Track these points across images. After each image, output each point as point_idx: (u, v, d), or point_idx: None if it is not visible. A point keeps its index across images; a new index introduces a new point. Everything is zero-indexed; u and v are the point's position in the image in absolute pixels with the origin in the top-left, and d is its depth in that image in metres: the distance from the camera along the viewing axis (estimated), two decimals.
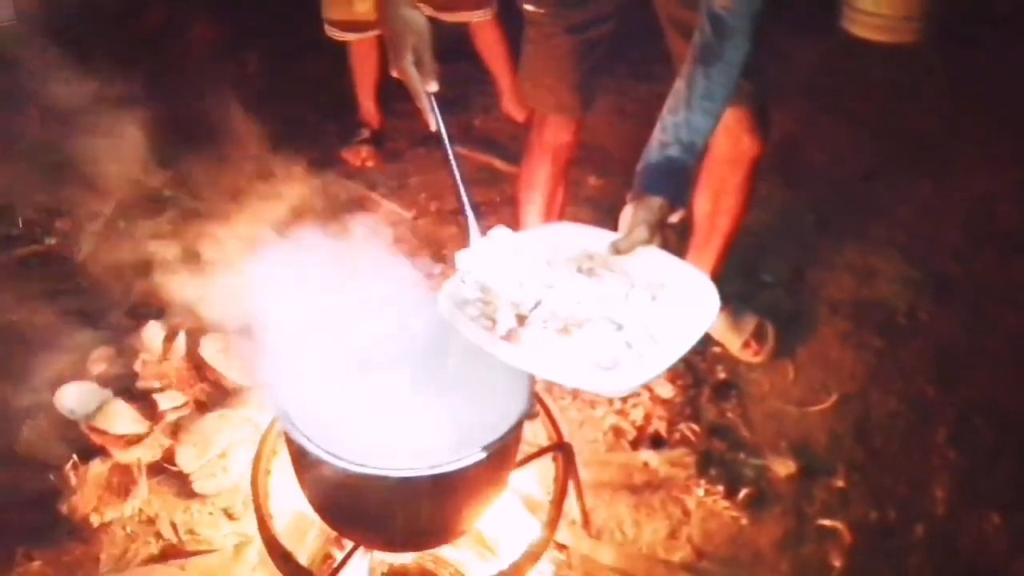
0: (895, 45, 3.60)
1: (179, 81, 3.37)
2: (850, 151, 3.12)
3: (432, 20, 1.51)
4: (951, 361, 2.33)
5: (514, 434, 1.34)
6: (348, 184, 2.93)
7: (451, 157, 1.47)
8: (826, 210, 2.84)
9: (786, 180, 2.94)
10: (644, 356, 1.27)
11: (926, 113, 3.29)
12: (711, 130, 1.49)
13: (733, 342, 2.32)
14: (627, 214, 1.43)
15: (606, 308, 1.34)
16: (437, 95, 1.46)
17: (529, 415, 1.39)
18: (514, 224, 2.30)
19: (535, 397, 1.54)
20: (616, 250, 1.40)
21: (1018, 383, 2.25)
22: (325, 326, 1.54)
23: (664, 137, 1.47)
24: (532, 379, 1.37)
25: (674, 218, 1.44)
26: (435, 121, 1.46)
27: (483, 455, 1.27)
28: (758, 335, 2.33)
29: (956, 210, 2.84)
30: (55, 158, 2.89)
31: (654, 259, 1.41)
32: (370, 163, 3.03)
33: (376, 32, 2.84)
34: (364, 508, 1.39)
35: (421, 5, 1.52)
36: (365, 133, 3.07)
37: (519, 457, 1.54)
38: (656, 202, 1.41)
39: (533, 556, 1.50)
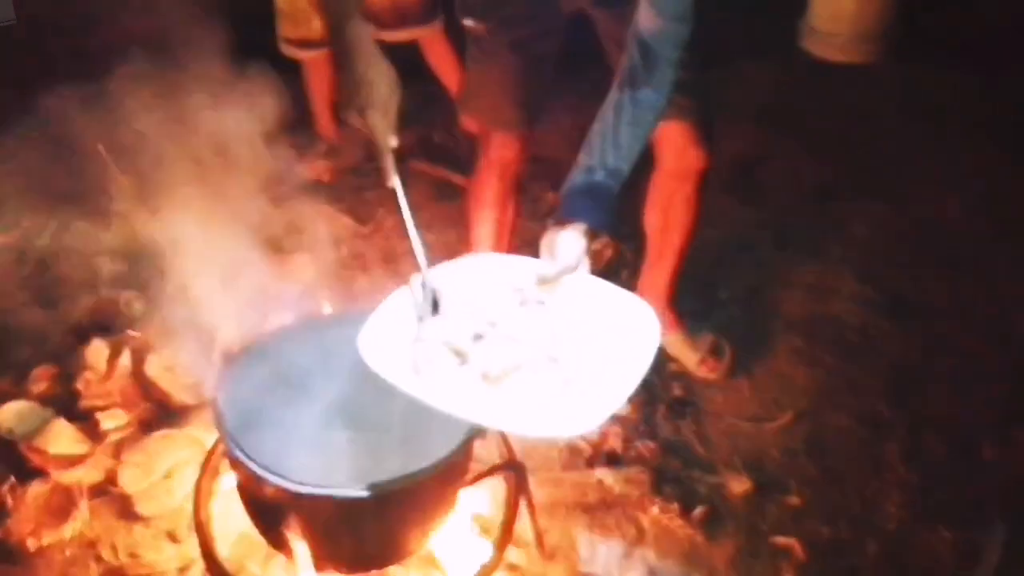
0: (852, 65, 3.66)
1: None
2: (807, 171, 3.16)
3: (380, 42, 1.49)
4: (902, 378, 2.36)
5: (462, 452, 1.32)
6: (304, 198, 2.90)
7: (407, 216, 1.45)
8: (782, 228, 2.86)
9: (743, 198, 2.97)
10: (586, 393, 1.22)
11: (882, 134, 3.34)
12: (636, 155, 1.48)
13: (689, 359, 2.32)
14: (550, 241, 1.39)
15: (542, 343, 1.28)
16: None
17: (478, 433, 1.37)
18: (465, 241, 2.29)
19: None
20: (542, 281, 1.36)
21: (967, 400, 2.28)
22: (273, 349, 1.52)
23: (590, 161, 1.46)
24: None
25: (596, 244, 1.40)
26: (393, 178, 1.43)
27: (428, 472, 1.25)
28: (714, 352, 2.33)
29: (910, 230, 2.89)
30: None
31: (586, 287, 1.37)
32: (326, 177, 3.00)
33: (329, 48, 2.83)
34: (310, 529, 1.36)
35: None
36: (321, 147, 3.05)
37: (470, 476, 1.52)
38: (580, 227, 1.38)
39: None
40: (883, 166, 3.17)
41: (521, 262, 1.42)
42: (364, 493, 1.24)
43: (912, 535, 1.96)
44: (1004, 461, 2.12)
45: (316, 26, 2.81)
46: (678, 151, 1.95)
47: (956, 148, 3.20)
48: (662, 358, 2.29)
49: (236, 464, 1.33)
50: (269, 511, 1.36)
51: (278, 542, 1.42)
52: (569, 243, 1.37)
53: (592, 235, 1.38)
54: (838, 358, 2.41)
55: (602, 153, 1.45)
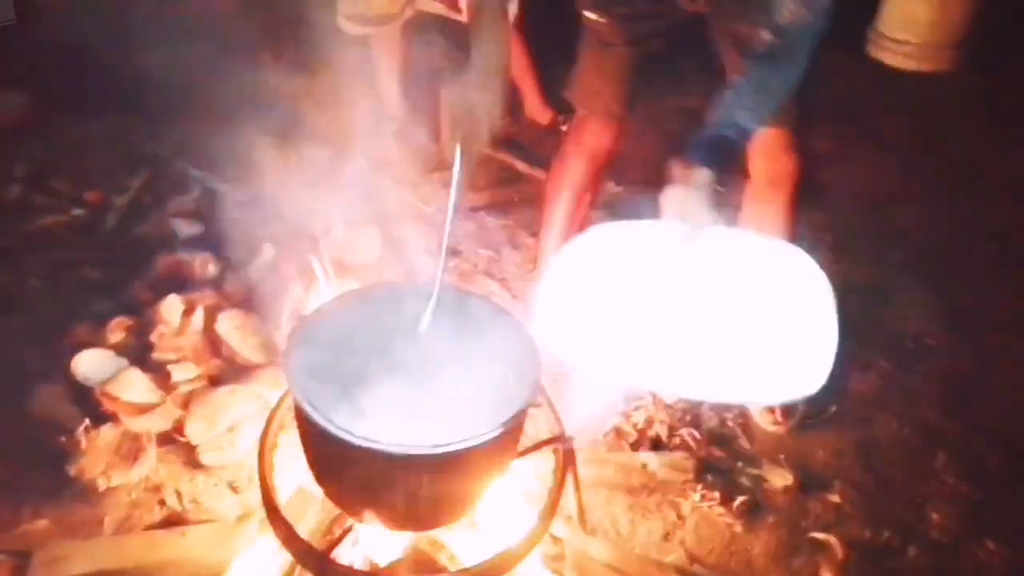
0: (925, 73, 3.60)
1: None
2: (876, 175, 3.13)
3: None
4: (958, 389, 2.34)
5: (516, 421, 1.37)
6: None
7: (449, 219, 1.50)
8: (843, 232, 2.85)
9: (804, 200, 2.95)
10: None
11: (950, 140, 3.29)
12: (763, 121, 1.59)
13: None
14: (673, 195, 1.46)
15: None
16: None
17: (533, 404, 1.42)
18: (536, 220, 2.33)
19: (540, 389, 1.57)
20: (688, 240, 1.45)
21: (1018, 425, 2.25)
22: (345, 312, 1.58)
23: (723, 119, 1.54)
24: (539, 371, 1.41)
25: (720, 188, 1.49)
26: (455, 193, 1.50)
27: (483, 438, 1.30)
28: (787, 406, 2.17)
29: (975, 239, 2.85)
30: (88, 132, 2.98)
31: (734, 240, 1.47)
32: (393, 155, 3.06)
33: (395, 24, 2.89)
34: (367, 485, 1.42)
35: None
36: (391, 124, 3.11)
37: (521, 448, 1.57)
38: (705, 176, 1.45)
39: (527, 545, 1.53)
40: (948, 173, 3.13)
41: (656, 225, 1.48)
42: (421, 452, 1.30)
43: (958, 546, 1.95)
44: None
45: (376, 4, 2.86)
46: (772, 157, 1.99)
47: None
48: None
49: (300, 414, 1.40)
50: (329, 464, 1.43)
51: (337, 496, 1.49)
52: (697, 197, 1.44)
53: (714, 183, 1.46)
54: (893, 364, 2.40)
55: (734, 113, 1.54)
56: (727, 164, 1.52)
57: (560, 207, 2.23)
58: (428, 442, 1.30)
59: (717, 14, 1.91)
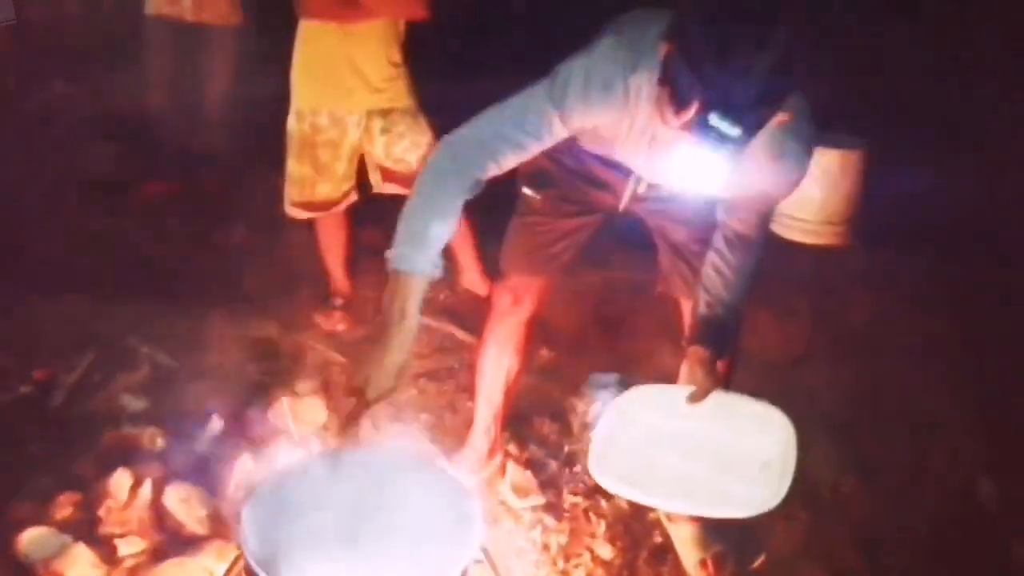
0: (820, 247, 4.01)
1: (162, 247, 3.64)
2: (780, 340, 3.39)
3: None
4: (869, 530, 2.48)
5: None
6: (318, 347, 3.12)
7: None
8: (757, 392, 3.05)
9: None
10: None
11: (853, 306, 3.61)
12: (745, 296, 1.94)
13: (689, 556, 2.29)
14: (689, 368, 1.89)
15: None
16: None
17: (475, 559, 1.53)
18: (470, 390, 2.48)
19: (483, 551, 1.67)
20: (692, 400, 1.87)
21: (937, 562, 2.40)
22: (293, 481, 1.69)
23: (709, 299, 1.92)
24: (480, 530, 1.53)
25: (720, 366, 1.91)
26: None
27: None
28: (718, 559, 2.27)
29: (879, 395, 3.09)
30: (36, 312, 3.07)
31: (724, 401, 1.91)
32: (341, 327, 3.23)
33: (339, 208, 3.11)
34: None
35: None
36: (337, 301, 3.29)
37: None
38: (706, 353, 1.86)
39: None
40: (854, 336, 3.42)
41: (674, 389, 1.94)
42: None
43: None
44: None
45: (321, 191, 3.06)
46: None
47: (915, 322, 3.47)
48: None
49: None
50: None
51: None
52: (702, 369, 1.87)
53: (716, 357, 1.89)
54: (812, 513, 2.55)
55: (717, 293, 1.91)
56: (722, 343, 1.91)
57: (490, 371, 2.35)
58: None
59: (650, 217, 2.13)
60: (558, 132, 1.72)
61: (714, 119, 1.35)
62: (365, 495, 1.68)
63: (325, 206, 3.10)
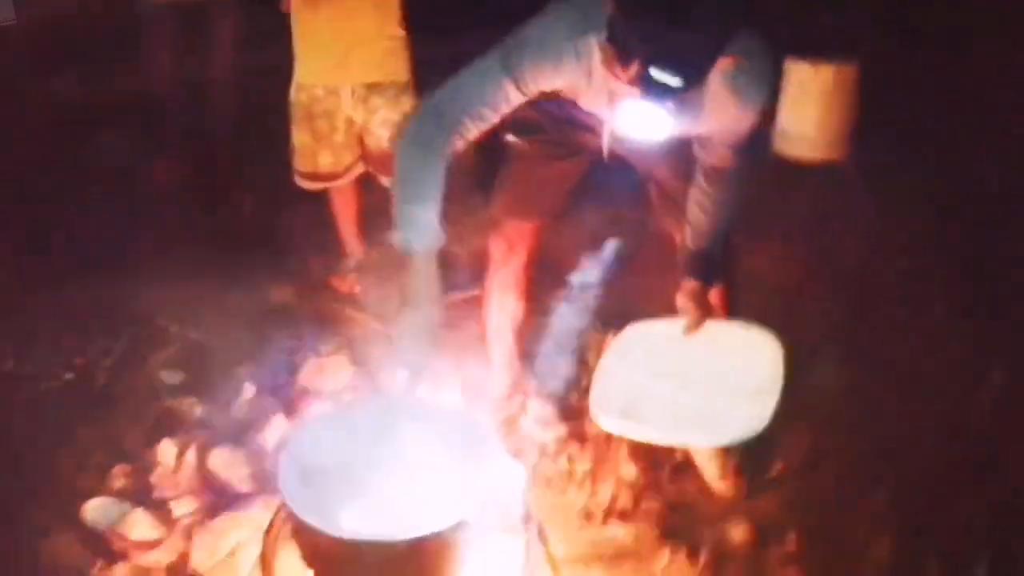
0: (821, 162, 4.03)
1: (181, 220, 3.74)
2: (783, 264, 3.44)
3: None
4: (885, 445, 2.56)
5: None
6: (336, 307, 3.24)
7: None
8: (763, 312, 3.10)
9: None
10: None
11: (851, 230, 3.65)
12: (729, 226, 2.04)
13: (711, 470, 2.40)
14: (680, 300, 2.00)
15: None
16: None
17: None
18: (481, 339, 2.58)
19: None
20: (687, 332, 2.01)
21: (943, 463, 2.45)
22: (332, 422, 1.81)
23: (694, 232, 2.03)
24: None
25: (712, 296, 2.05)
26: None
27: (455, 526, 1.50)
28: (739, 471, 2.39)
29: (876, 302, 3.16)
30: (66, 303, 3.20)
31: (718, 330, 2.03)
32: (356, 288, 3.33)
33: (343, 181, 3.17)
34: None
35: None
36: (351, 263, 3.39)
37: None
38: (696, 285, 1.99)
39: None
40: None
41: (670, 322, 2.05)
42: (396, 543, 1.48)
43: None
44: None
45: (324, 162, 3.12)
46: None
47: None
48: None
49: (291, 518, 1.60)
50: (321, 561, 1.61)
51: None
52: (693, 302, 1.99)
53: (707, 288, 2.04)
54: (822, 423, 2.63)
55: (702, 225, 2.03)
56: (709, 274, 2.04)
57: (496, 317, 2.45)
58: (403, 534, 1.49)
59: (637, 160, 2.19)
60: (514, 99, 1.79)
61: (655, 72, 1.44)
62: (389, 439, 1.80)
63: (329, 177, 3.17)
